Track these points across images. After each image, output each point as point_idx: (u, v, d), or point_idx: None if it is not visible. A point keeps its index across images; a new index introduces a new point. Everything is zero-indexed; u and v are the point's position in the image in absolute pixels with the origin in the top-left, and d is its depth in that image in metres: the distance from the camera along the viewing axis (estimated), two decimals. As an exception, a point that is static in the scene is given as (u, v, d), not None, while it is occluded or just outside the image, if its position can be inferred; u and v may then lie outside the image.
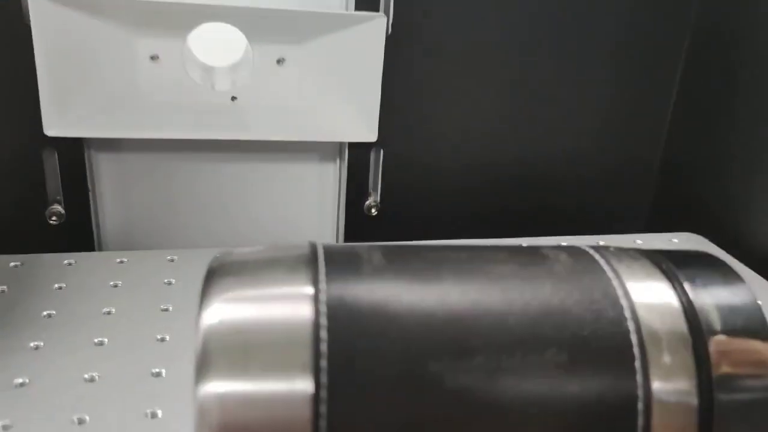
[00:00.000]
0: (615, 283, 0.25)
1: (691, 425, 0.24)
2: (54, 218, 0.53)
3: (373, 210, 0.59)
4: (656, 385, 0.23)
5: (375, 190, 0.59)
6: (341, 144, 0.57)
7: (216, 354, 0.23)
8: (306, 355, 0.22)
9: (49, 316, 0.41)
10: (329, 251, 0.26)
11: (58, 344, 0.38)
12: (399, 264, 0.25)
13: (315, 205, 0.59)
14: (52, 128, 0.50)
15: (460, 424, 0.23)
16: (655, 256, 0.27)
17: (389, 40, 0.52)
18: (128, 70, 0.52)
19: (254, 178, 0.58)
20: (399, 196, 0.60)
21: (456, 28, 0.55)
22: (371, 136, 0.55)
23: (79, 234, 0.54)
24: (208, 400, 0.22)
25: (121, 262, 0.47)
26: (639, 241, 0.55)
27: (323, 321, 0.23)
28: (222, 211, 0.58)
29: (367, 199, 0.59)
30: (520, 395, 0.23)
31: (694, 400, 0.24)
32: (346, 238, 0.59)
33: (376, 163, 0.58)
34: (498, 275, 0.25)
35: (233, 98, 0.54)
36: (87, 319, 0.41)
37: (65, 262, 0.46)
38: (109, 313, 0.41)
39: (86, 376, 0.36)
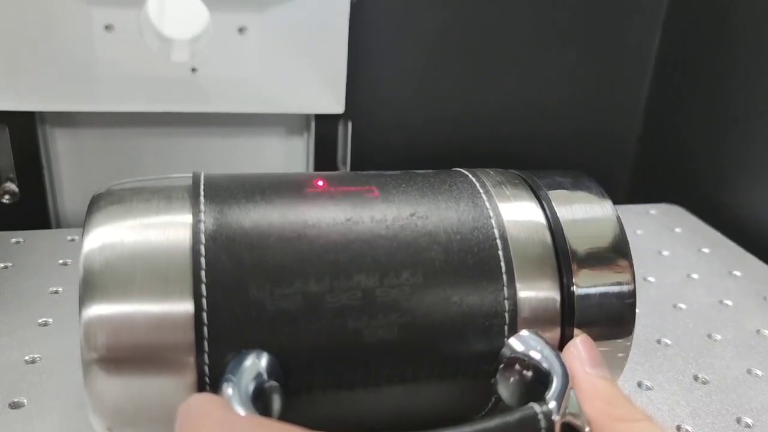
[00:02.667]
0: (486, 201, 0.28)
1: (554, 329, 0.26)
2: (7, 197, 0.51)
3: (342, 185, 0.56)
4: (521, 293, 0.26)
5: (344, 164, 0.57)
6: (308, 116, 0.55)
7: (98, 278, 0.23)
8: (186, 279, 0.23)
9: (-7, 296, 0.39)
10: (211, 179, 0.27)
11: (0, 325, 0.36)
12: (279, 192, 0.26)
13: (282, 181, 0.57)
14: (1, 102, 0.47)
15: (337, 340, 0.24)
16: (525, 174, 0.30)
17: (355, 6, 0.50)
18: (82, 40, 0.49)
19: (219, 153, 0.56)
20: (369, 170, 0.57)
21: (425, -7, 0.53)
22: (338, 107, 0.53)
23: (35, 214, 0.52)
24: (92, 322, 0.23)
25: (72, 240, 0.45)
26: (616, 213, 0.54)
27: (202, 238, 0.24)
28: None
29: (336, 174, 0.56)
30: (394, 311, 0.24)
31: (556, 307, 0.26)
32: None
33: (345, 135, 0.56)
34: (371, 199, 0.27)
35: (193, 70, 0.52)
36: (32, 299, 0.38)
37: (13, 240, 0.44)
38: (56, 292, 0.39)
39: (27, 357, 0.34)
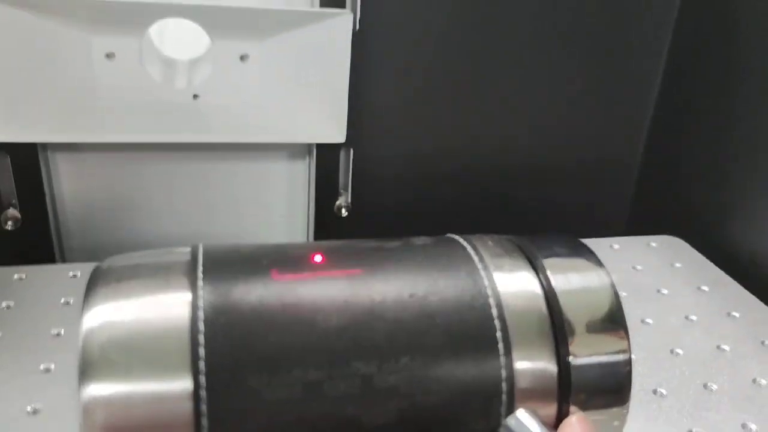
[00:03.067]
0: (485, 278, 0.27)
1: (551, 401, 0.26)
2: (10, 223, 0.51)
3: (343, 210, 0.57)
4: (518, 366, 0.26)
5: (346, 190, 0.57)
6: (310, 143, 0.55)
7: (98, 357, 0.24)
8: (185, 357, 0.24)
9: (-6, 338, 0.39)
10: (209, 255, 0.27)
11: (1, 371, 0.37)
12: (277, 270, 0.26)
13: (284, 206, 0.57)
14: (1, 133, 0.47)
15: (336, 429, 0.24)
16: (523, 242, 0.30)
17: (356, 36, 0.50)
18: (83, 69, 0.49)
19: (221, 178, 0.56)
20: (371, 196, 0.58)
21: (426, 22, 0.53)
22: (339, 136, 0.53)
23: (38, 241, 0.52)
24: (91, 402, 0.23)
25: (74, 276, 0.45)
26: (616, 246, 0.54)
27: (200, 326, 0.24)
28: (189, 213, 0.56)
29: (338, 200, 0.57)
30: (393, 396, 0.25)
31: (553, 380, 0.26)
32: (317, 240, 0.58)
33: (346, 162, 0.56)
34: (370, 278, 0.27)
35: (195, 96, 0.52)
36: (34, 342, 0.39)
37: (15, 276, 0.45)
38: (58, 334, 0.40)
39: (29, 408, 0.34)
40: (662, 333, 0.44)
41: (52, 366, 0.37)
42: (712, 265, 0.52)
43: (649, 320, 0.45)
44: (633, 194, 0.62)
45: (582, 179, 0.61)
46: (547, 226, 0.61)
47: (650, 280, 0.49)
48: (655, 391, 0.39)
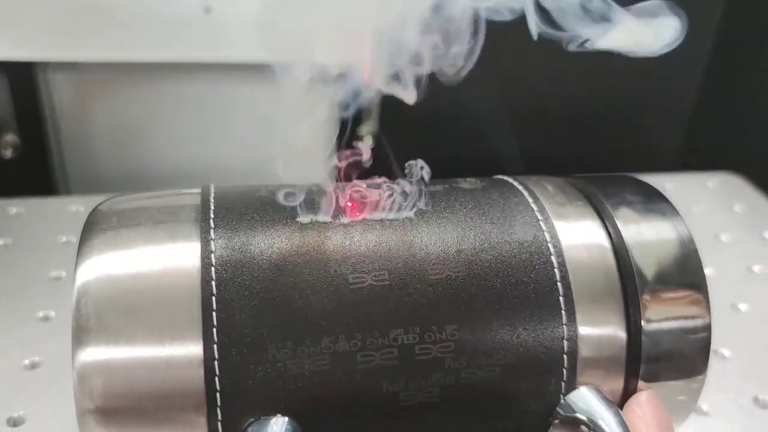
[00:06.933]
0: (546, 233, 0.24)
1: (618, 373, 0.23)
2: (10, 150, 0.47)
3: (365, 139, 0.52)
4: (582, 335, 0.23)
5: (370, 118, 0.52)
6: (334, 65, 0.50)
7: (94, 316, 0.21)
8: (195, 323, 0.21)
9: (-11, 281, 0.36)
10: (222, 199, 0.24)
11: (-2, 318, 0.34)
12: (303, 215, 0.23)
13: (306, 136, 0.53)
14: (-4, 50, 0.43)
15: (370, 406, 0.22)
16: (588, 188, 0.26)
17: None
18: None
19: (236, 102, 0.51)
20: (400, 123, 0.53)
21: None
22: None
23: (37, 170, 0.48)
24: (87, 367, 0.20)
25: (76, 211, 0.42)
26: (668, 185, 0.49)
27: (213, 287, 0.21)
28: (198, 140, 0.52)
29: (362, 129, 0.52)
30: (436, 371, 0.22)
31: (622, 349, 0.23)
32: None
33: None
34: (410, 231, 0.23)
35: (207, 10, 0.47)
36: (32, 287, 0.35)
37: (13, 211, 0.41)
38: (58, 278, 0.36)
39: (27, 361, 0.31)
40: (723, 286, 0.40)
41: (52, 313, 0.34)
42: (773, 205, 0.47)
43: (706, 271, 0.41)
44: (687, 125, 0.57)
45: (631, 106, 0.56)
46: (591, 158, 0.56)
47: (708, 225, 0.45)
48: (716, 352, 0.35)
